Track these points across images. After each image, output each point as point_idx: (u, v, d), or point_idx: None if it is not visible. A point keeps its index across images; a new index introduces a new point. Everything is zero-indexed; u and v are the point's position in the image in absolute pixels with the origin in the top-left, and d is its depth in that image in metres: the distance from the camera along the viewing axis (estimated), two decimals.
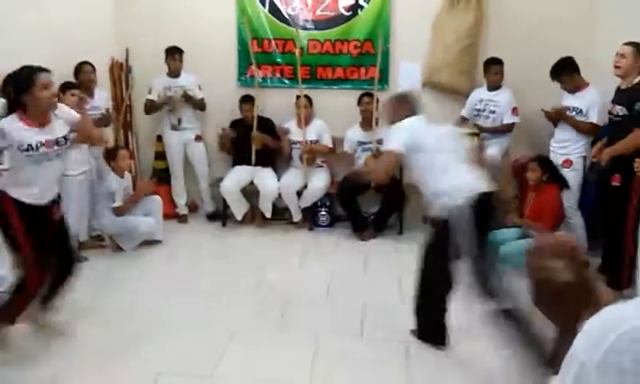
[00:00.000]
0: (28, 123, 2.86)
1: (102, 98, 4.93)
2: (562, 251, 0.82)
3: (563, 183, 4.31)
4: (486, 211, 2.93)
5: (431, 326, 3.17)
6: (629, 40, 3.85)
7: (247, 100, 5.43)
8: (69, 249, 3.24)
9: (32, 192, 2.95)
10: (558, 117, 4.54)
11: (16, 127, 2.83)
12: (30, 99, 2.83)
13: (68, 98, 4.33)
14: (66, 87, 4.34)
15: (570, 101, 4.48)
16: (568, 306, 0.76)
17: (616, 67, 3.85)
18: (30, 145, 2.85)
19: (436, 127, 3.16)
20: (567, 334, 0.79)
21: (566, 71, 4.41)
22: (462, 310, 3.03)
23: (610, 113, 3.98)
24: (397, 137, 3.07)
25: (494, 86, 5.02)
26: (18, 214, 2.91)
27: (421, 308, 3.18)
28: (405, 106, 3.23)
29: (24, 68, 2.86)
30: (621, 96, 3.88)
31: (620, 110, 3.84)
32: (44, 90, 2.85)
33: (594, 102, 4.34)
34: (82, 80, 4.76)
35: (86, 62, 4.81)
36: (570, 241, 0.78)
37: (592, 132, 4.40)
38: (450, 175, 2.94)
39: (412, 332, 3.25)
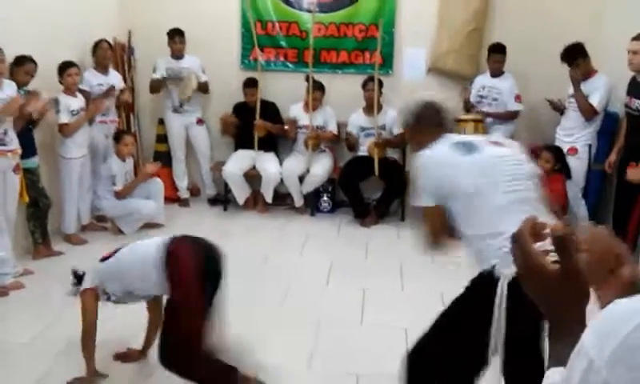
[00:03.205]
0: None
1: (116, 77, 5.00)
2: (546, 234, 0.75)
3: (568, 174, 4.26)
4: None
5: None
6: (636, 25, 3.78)
7: (251, 84, 5.33)
8: None
9: None
10: (574, 80, 4.35)
11: None
12: None
13: (65, 79, 4.32)
14: (64, 67, 4.32)
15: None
16: (555, 295, 0.70)
17: (630, 64, 3.77)
18: None
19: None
20: (557, 326, 0.73)
21: (580, 55, 4.31)
22: None
23: (627, 106, 3.90)
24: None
25: (495, 73, 4.96)
26: None
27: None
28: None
29: None
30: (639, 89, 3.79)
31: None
32: None
33: (598, 86, 4.28)
34: (98, 57, 4.77)
35: (103, 40, 4.81)
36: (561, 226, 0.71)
37: (588, 113, 4.30)
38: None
39: None
